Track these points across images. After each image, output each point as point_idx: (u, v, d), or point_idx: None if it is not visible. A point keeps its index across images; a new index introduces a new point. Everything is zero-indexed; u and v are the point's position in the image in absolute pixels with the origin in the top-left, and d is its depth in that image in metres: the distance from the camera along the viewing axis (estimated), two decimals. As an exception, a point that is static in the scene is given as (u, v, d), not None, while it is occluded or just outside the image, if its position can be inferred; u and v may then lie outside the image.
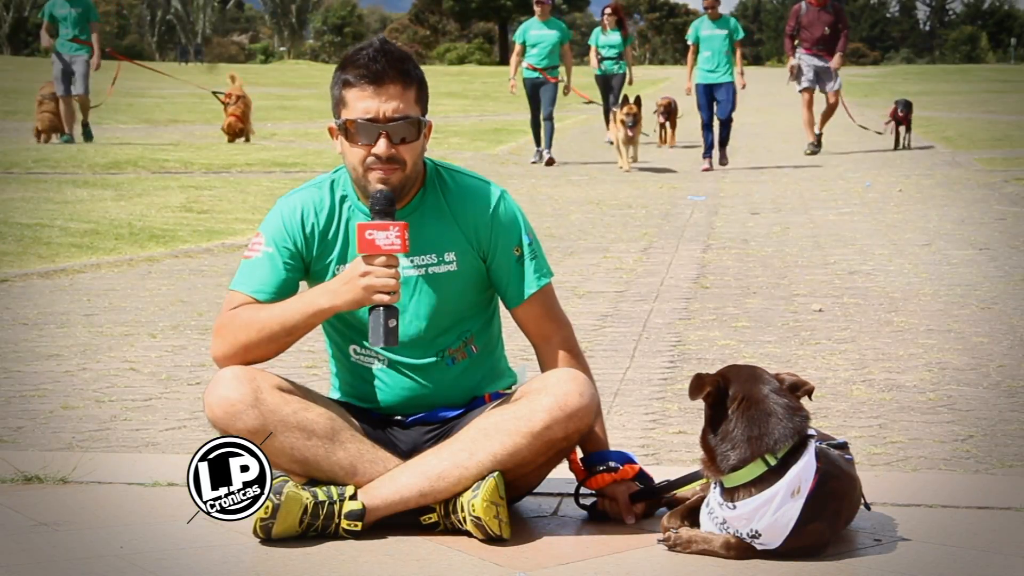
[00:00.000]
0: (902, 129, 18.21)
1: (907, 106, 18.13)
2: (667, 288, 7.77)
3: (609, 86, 18.20)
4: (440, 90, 30.70)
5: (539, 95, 16.31)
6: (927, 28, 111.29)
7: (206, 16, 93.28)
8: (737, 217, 11.16)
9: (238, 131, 19.18)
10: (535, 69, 16.19)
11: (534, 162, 16.57)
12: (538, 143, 16.77)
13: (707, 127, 15.72)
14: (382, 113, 3.39)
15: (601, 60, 18.08)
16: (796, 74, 16.87)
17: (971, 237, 9.68)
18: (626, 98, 15.54)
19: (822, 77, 16.78)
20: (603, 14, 18.29)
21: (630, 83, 18.17)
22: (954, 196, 12.40)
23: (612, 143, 19.16)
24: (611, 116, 17.41)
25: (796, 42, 16.83)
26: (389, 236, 3.32)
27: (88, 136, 18.11)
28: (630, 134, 15.43)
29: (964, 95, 31.79)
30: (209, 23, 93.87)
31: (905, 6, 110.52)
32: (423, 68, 3.61)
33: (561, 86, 16.52)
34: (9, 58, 65.27)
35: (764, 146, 18.94)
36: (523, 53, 16.39)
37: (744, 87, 16.40)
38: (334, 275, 3.51)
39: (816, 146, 17.26)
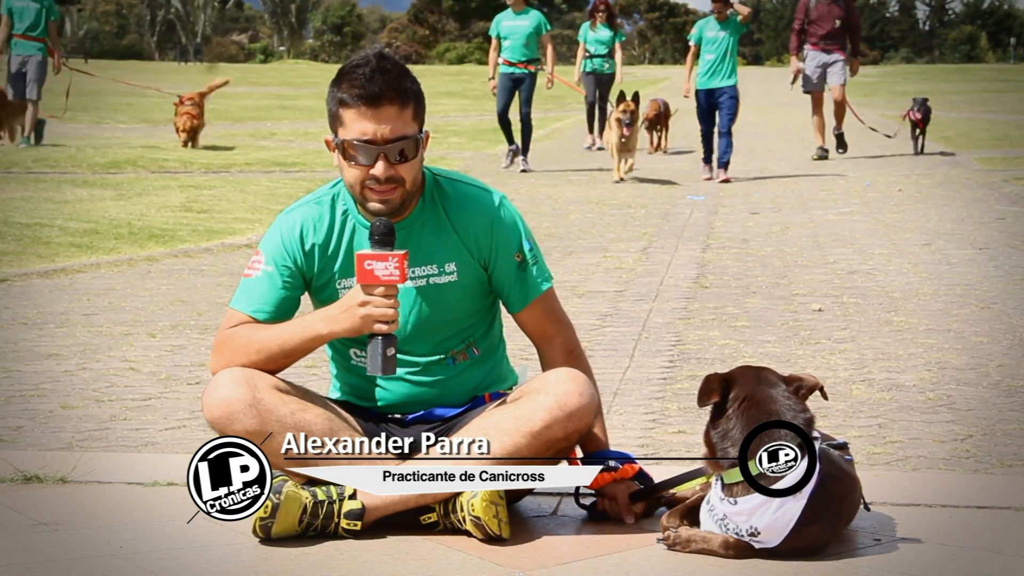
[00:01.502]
0: (918, 131, 16.81)
1: (924, 106, 16.70)
2: (667, 288, 7.77)
3: (598, 85, 16.99)
4: (440, 90, 30.72)
5: (515, 91, 14.82)
6: (926, 28, 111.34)
7: (206, 16, 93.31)
8: (737, 217, 11.17)
9: (191, 129, 17.41)
10: (510, 63, 14.74)
11: (506, 167, 15.18)
12: (510, 140, 15.28)
13: (707, 137, 14.51)
14: (380, 135, 3.39)
15: (590, 57, 16.79)
16: (800, 78, 15.90)
17: (971, 237, 9.68)
18: (623, 94, 14.05)
19: (829, 71, 15.74)
20: (593, 9, 17.07)
21: (619, 81, 16.90)
22: (954, 196, 12.40)
23: (591, 148, 17.52)
24: (605, 119, 16.30)
25: (803, 36, 15.83)
26: (388, 267, 3.33)
27: (39, 138, 16.74)
28: (626, 133, 13.70)
29: (964, 95, 31.79)
30: (209, 23, 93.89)
31: (904, 6, 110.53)
32: (423, 68, 3.61)
33: (543, 76, 15.09)
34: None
35: (764, 146, 18.93)
36: (500, 48, 14.95)
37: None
38: (336, 289, 3.52)
39: (824, 151, 16.17)
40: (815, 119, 16.17)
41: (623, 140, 13.79)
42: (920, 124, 16.70)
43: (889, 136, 17.22)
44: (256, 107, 27.34)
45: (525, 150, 15.07)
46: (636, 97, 14.05)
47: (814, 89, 15.84)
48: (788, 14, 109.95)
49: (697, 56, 14.62)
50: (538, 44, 14.89)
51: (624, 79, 17.42)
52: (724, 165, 14.17)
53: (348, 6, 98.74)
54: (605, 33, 16.83)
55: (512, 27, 14.86)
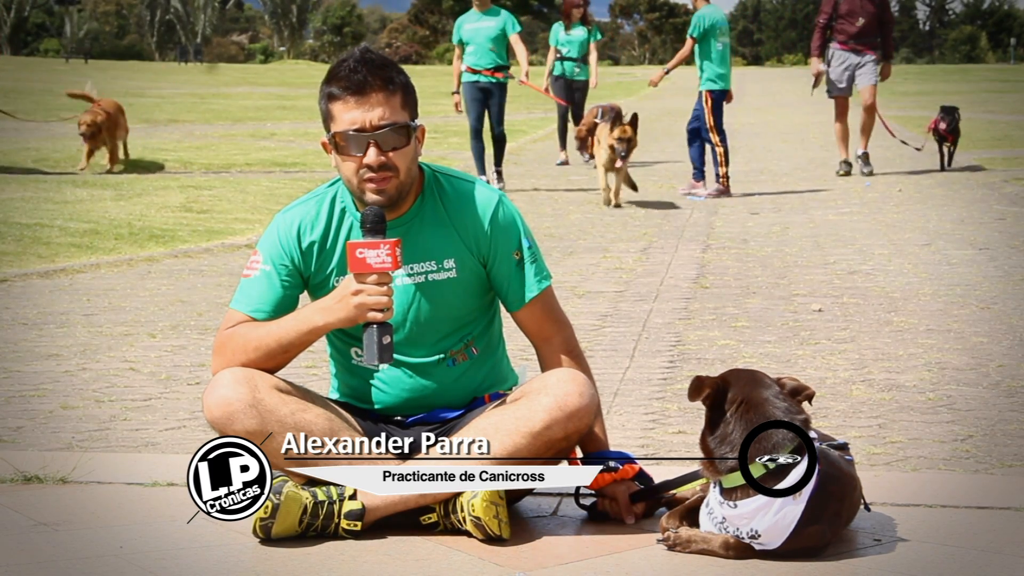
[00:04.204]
0: (946, 145, 14.82)
1: (952, 115, 14.63)
2: (667, 288, 7.77)
3: (570, 93, 15.20)
4: (439, 90, 30.70)
5: (486, 102, 12.96)
6: (927, 28, 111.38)
7: (206, 16, 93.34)
8: (737, 217, 11.17)
9: (91, 123, 14.71)
10: (475, 71, 12.88)
11: None
12: (481, 169, 13.14)
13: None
14: (368, 122, 3.40)
15: (561, 60, 15.06)
16: (822, 81, 14.09)
17: (971, 237, 9.68)
18: (619, 116, 11.90)
19: (858, 72, 13.88)
20: (566, 6, 15.20)
21: (593, 86, 15.35)
22: (954, 196, 12.40)
23: (564, 164, 15.73)
24: (577, 131, 15.12)
25: (829, 34, 13.95)
26: (380, 254, 3.32)
27: None
28: (619, 165, 11.79)
29: (964, 95, 31.80)
30: (209, 23, 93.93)
31: (905, 6, 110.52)
32: (423, 68, 3.62)
33: (518, 77, 13.14)
34: (9, 58, 65.30)
35: (764, 146, 18.92)
36: (464, 55, 13.05)
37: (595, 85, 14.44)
38: (334, 287, 3.52)
39: (849, 165, 14.31)
40: (837, 127, 14.30)
41: (616, 168, 11.89)
42: (949, 136, 14.70)
43: (918, 149, 15.22)
44: (256, 107, 27.35)
45: (499, 162, 13.30)
46: (635, 121, 11.88)
47: (840, 94, 14.00)
48: (788, 14, 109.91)
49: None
50: (507, 48, 13.03)
51: (599, 82, 15.93)
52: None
53: (348, 6, 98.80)
54: (579, 33, 15.07)
55: (475, 29, 12.97)
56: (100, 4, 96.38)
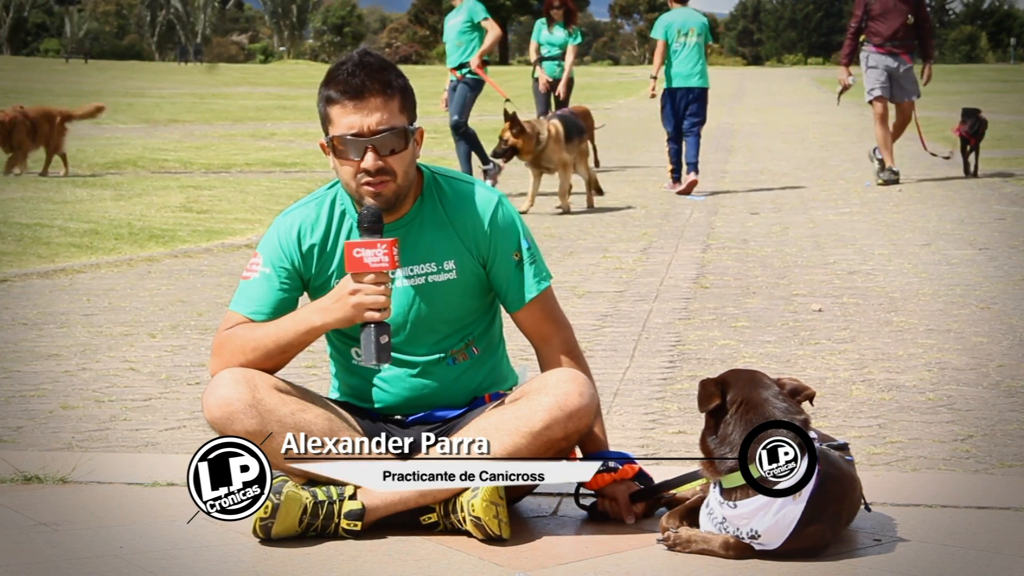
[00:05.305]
0: (970, 149, 13.89)
1: (975, 119, 13.68)
2: (667, 288, 7.77)
3: (550, 93, 14.57)
4: (439, 90, 30.75)
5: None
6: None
7: (206, 16, 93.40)
8: (737, 217, 11.16)
9: (14, 156, 14.04)
10: (452, 71, 12.55)
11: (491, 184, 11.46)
12: (467, 168, 12.43)
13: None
14: (366, 127, 3.40)
15: (541, 60, 14.51)
16: (849, 91, 13.67)
17: (971, 237, 9.68)
18: (505, 115, 11.19)
19: (898, 82, 13.05)
20: (547, 6, 14.63)
21: (566, 88, 14.52)
22: (954, 196, 12.39)
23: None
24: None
25: (862, 39, 13.12)
26: (377, 254, 3.32)
27: None
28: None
29: (964, 95, 31.77)
30: (209, 23, 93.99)
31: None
32: (423, 68, 3.63)
33: (473, 62, 12.28)
34: (9, 58, 65.33)
35: (764, 146, 18.92)
36: None
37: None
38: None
39: (893, 173, 13.22)
40: (879, 132, 13.22)
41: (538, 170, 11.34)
42: (972, 140, 13.73)
43: (947, 158, 14.37)
44: (256, 107, 27.36)
45: (483, 159, 12.35)
46: (514, 120, 11.07)
47: (878, 97, 13.03)
48: (788, 14, 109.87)
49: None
50: (480, 39, 12.40)
51: (588, 82, 15.25)
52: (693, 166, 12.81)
53: (348, 6, 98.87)
54: (560, 34, 14.57)
55: (448, 27, 12.58)
56: (100, 4, 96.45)
